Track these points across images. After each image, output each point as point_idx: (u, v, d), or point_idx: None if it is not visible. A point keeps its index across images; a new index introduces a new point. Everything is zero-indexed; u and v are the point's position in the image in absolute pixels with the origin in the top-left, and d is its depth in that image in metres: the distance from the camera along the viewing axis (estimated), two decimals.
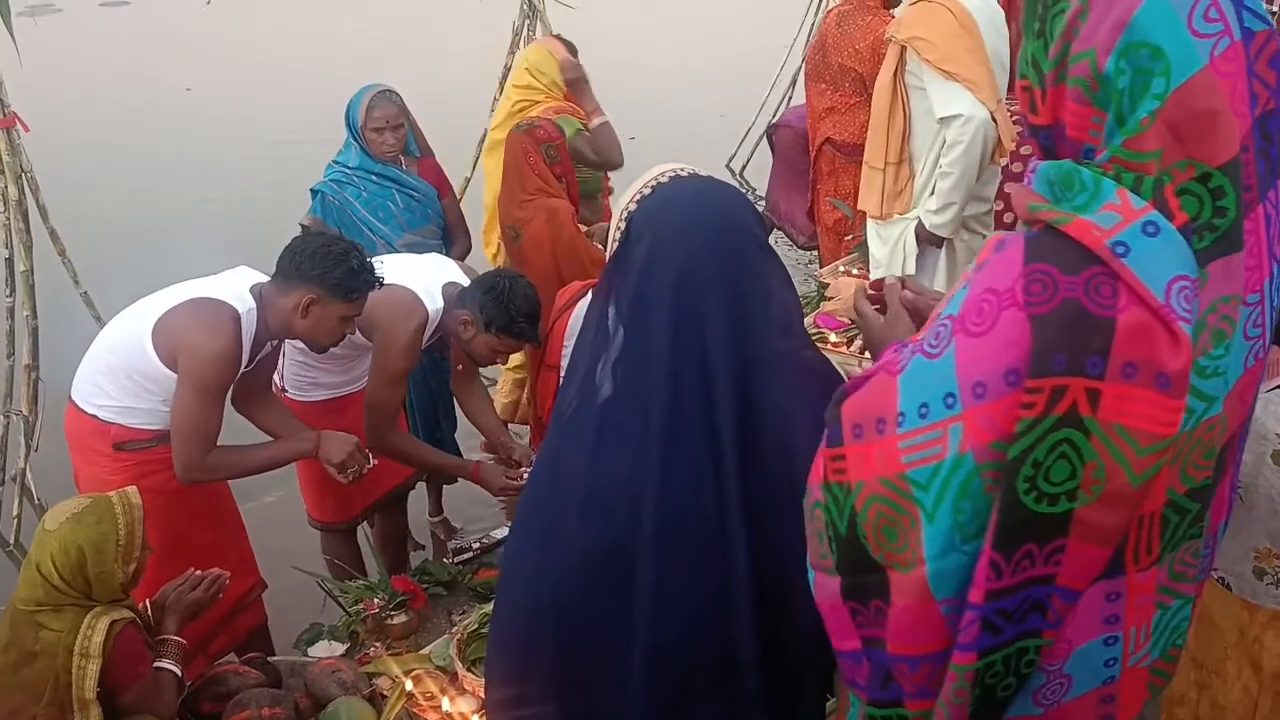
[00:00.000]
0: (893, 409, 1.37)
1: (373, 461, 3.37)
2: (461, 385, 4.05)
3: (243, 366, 3.16)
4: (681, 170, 1.83)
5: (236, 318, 3.08)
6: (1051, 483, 1.28)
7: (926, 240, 4.14)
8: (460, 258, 4.56)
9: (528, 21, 6.67)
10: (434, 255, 3.96)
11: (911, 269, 4.19)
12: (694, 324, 1.65)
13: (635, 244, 1.73)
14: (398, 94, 4.29)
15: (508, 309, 3.50)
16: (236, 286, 3.16)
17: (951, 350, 1.32)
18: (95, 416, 3.16)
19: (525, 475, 3.61)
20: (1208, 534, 1.50)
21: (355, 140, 4.27)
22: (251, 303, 3.13)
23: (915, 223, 4.12)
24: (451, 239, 4.57)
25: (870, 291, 1.84)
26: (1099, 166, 1.30)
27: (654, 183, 1.81)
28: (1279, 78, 1.31)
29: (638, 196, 1.80)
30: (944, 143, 3.89)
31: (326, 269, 3.10)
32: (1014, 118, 4.10)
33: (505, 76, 6.78)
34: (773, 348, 1.70)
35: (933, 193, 4.03)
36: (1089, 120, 1.31)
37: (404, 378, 3.64)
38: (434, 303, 3.57)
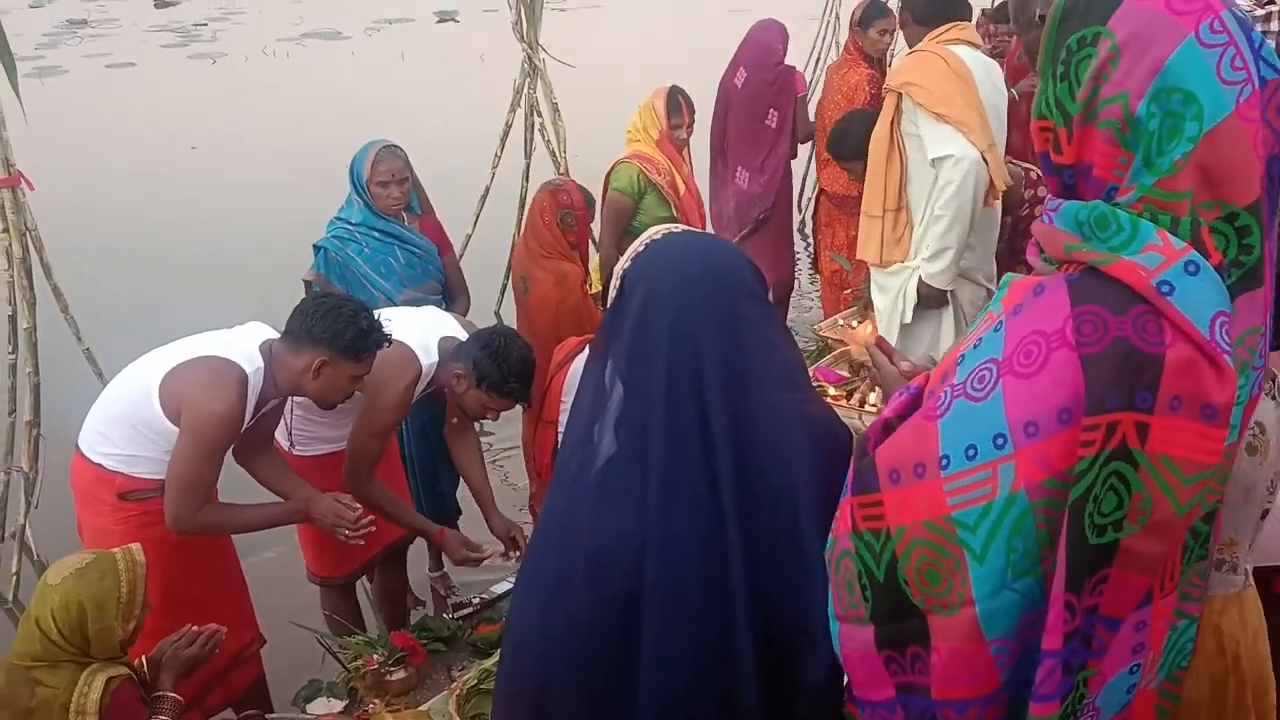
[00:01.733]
0: (934, 453, 1.40)
1: (366, 520, 3.36)
2: (455, 437, 4.07)
3: (246, 424, 3.18)
4: (675, 229, 1.85)
5: (244, 379, 3.11)
6: (1102, 514, 1.31)
7: (927, 299, 4.13)
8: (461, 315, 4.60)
9: (528, 80, 6.75)
10: (432, 309, 3.98)
11: (909, 318, 4.19)
12: (690, 373, 1.66)
13: (629, 298, 1.75)
14: (402, 150, 4.34)
15: (500, 367, 3.53)
16: (247, 345, 3.20)
17: (999, 392, 1.35)
18: (100, 465, 3.19)
19: (488, 551, 3.68)
20: (1210, 555, 1.53)
21: (359, 195, 4.31)
22: (260, 362, 3.17)
23: (916, 276, 4.12)
24: (452, 297, 4.60)
25: (881, 343, 1.92)
26: (1129, 206, 1.34)
27: (648, 240, 1.82)
28: None
29: (632, 254, 1.81)
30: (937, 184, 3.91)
31: (338, 331, 3.14)
32: (1008, 162, 4.15)
33: (506, 134, 6.86)
34: (772, 397, 1.70)
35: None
36: (1116, 161, 1.36)
37: (390, 431, 3.67)
38: (429, 357, 3.60)
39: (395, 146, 4.33)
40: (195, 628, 2.86)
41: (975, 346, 1.43)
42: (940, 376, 1.48)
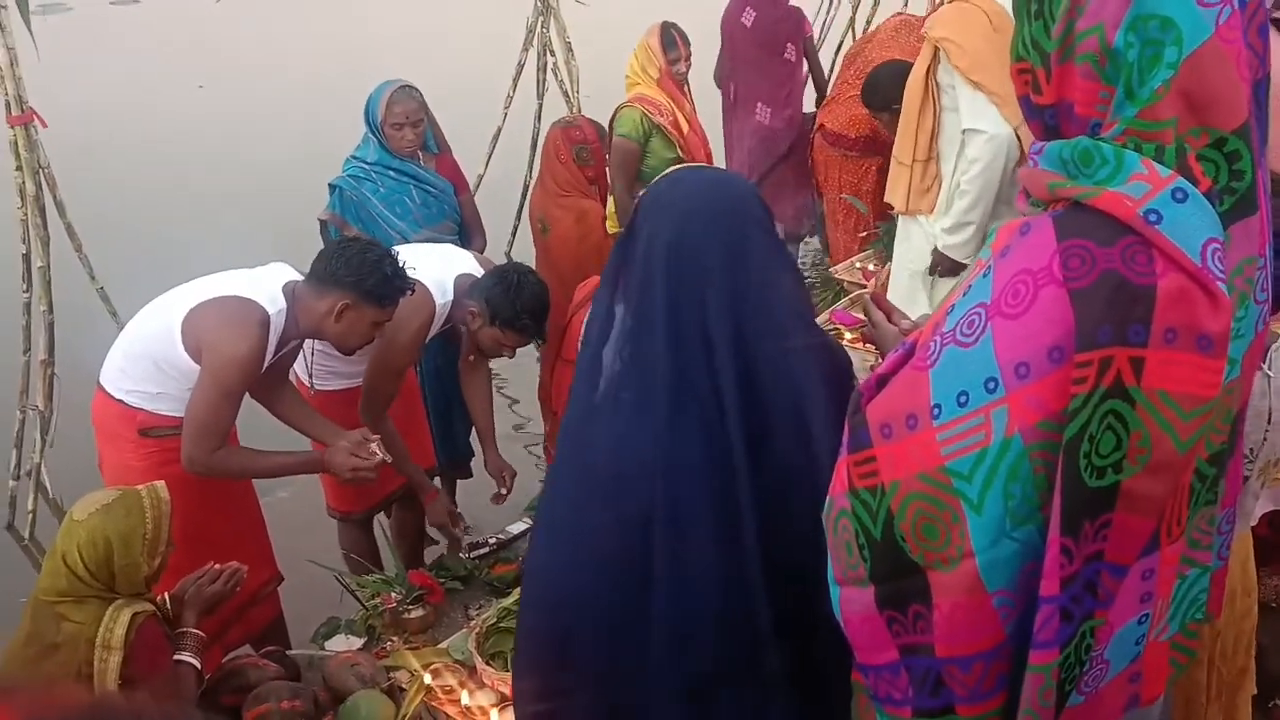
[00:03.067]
0: (925, 403, 1.36)
1: (383, 454, 3.36)
2: (467, 375, 4.07)
3: (266, 364, 3.18)
4: (691, 165, 1.85)
5: (265, 321, 3.10)
6: (1100, 455, 1.28)
7: (944, 269, 4.04)
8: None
9: (541, 19, 6.66)
10: (450, 246, 3.96)
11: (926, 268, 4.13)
12: (694, 298, 1.67)
13: (638, 228, 1.76)
14: (418, 90, 4.29)
15: (514, 304, 3.52)
16: (270, 286, 3.18)
17: (989, 335, 1.31)
18: (122, 401, 3.19)
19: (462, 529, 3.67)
20: (1223, 502, 1.50)
21: (374, 135, 4.27)
22: (283, 303, 3.16)
23: (932, 251, 4.05)
24: (469, 235, 4.57)
25: (879, 300, 1.90)
26: (1112, 139, 1.31)
27: (661, 178, 1.85)
28: (1265, 46, 1.34)
29: (646, 189, 1.84)
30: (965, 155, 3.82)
31: (362, 275, 3.13)
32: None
33: (519, 73, 6.79)
34: (776, 322, 1.70)
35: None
36: (1097, 95, 1.32)
37: (404, 369, 3.68)
38: (444, 295, 3.59)
39: (411, 87, 4.27)
40: (218, 565, 2.87)
41: (965, 294, 1.40)
42: (932, 328, 1.44)
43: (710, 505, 1.67)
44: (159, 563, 2.65)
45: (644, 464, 1.68)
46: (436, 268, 3.64)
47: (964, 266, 4.02)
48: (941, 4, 5.13)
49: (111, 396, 3.22)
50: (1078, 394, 1.26)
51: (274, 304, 3.14)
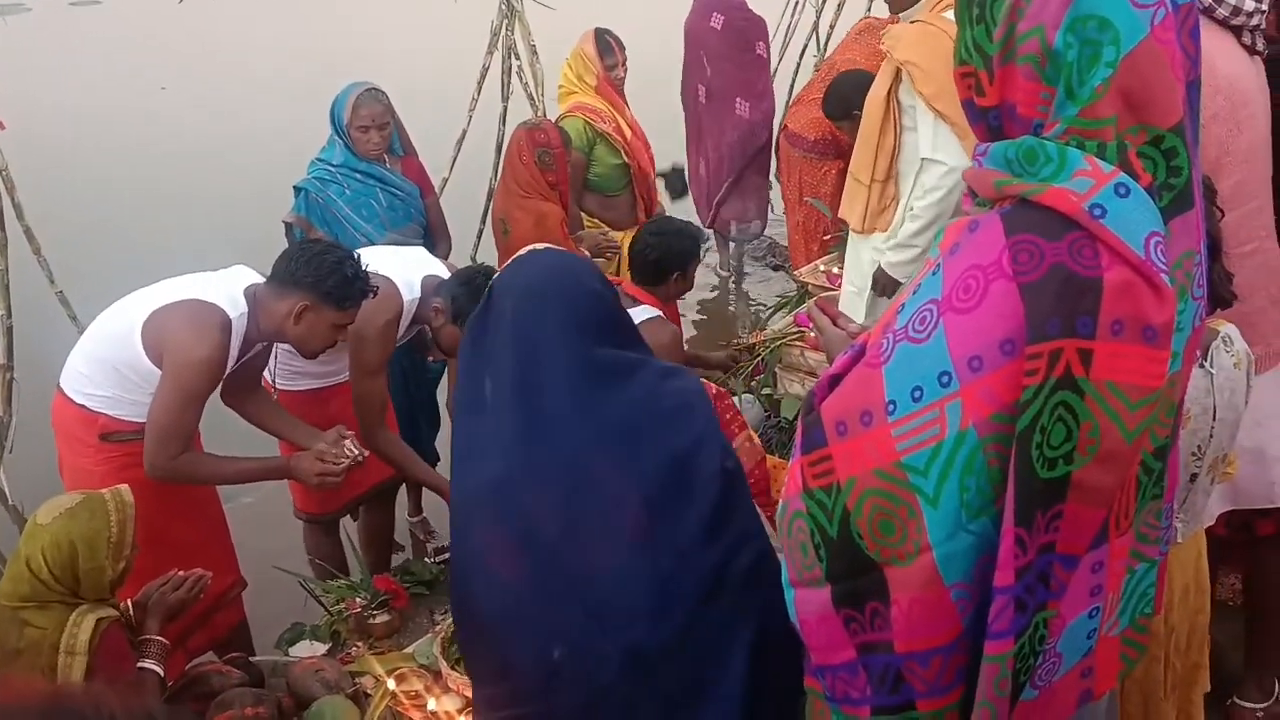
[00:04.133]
0: (879, 399, 1.39)
1: (357, 452, 3.33)
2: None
3: (228, 369, 3.16)
4: (539, 247, 2.09)
5: (227, 324, 3.08)
6: (1051, 446, 1.30)
7: (882, 285, 3.92)
8: (443, 259, 4.56)
9: (505, 22, 6.64)
10: (420, 249, 3.95)
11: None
12: (534, 358, 1.88)
13: (496, 304, 1.97)
14: (384, 92, 4.28)
15: (477, 304, 3.49)
16: (231, 288, 3.17)
17: (941, 330, 1.34)
18: (83, 406, 3.17)
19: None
20: (1166, 496, 1.53)
21: (340, 138, 4.26)
22: (244, 306, 3.14)
23: (876, 269, 3.95)
24: (434, 240, 4.56)
25: (823, 305, 1.96)
26: (1055, 139, 1.34)
27: (515, 258, 2.05)
28: (1197, 49, 1.38)
29: (504, 267, 2.07)
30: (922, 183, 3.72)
31: (320, 276, 3.11)
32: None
33: (484, 76, 6.77)
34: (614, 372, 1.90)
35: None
36: (1039, 96, 1.35)
37: (381, 368, 3.65)
38: (411, 292, 3.58)
39: (376, 90, 4.26)
40: (181, 572, 2.85)
41: (915, 292, 1.43)
42: (883, 328, 1.46)
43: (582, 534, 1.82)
44: (123, 566, 2.64)
45: (491, 490, 1.88)
46: (405, 267, 3.64)
47: (901, 285, 3.93)
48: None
49: (72, 401, 3.19)
50: (1029, 385, 1.28)
51: (235, 307, 3.12)
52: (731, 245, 7.47)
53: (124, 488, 2.71)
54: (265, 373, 3.68)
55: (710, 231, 7.25)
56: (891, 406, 1.37)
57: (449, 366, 4.37)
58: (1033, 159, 1.34)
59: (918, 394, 1.35)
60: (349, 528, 4.15)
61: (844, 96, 4.74)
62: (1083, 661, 1.52)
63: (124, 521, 2.63)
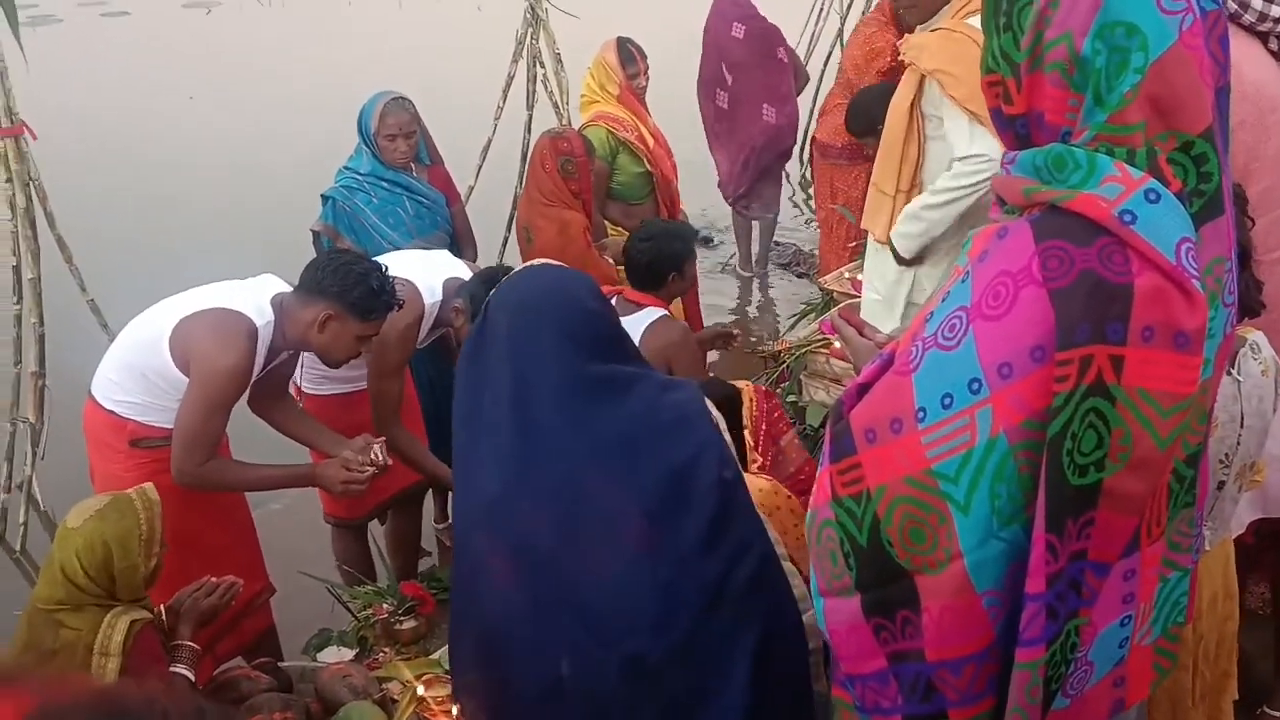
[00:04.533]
0: (909, 407, 1.38)
1: (383, 459, 3.35)
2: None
3: (254, 377, 3.19)
4: (535, 264, 2.11)
5: (253, 333, 3.11)
6: (1083, 453, 1.30)
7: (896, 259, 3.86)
8: None
9: (530, 30, 6.68)
10: (443, 253, 3.97)
11: (909, 299, 3.94)
12: (530, 374, 1.90)
13: (491, 320, 1.98)
14: (411, 101, 4.31)
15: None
16: (258, 297, 3.20)
17: (970, 337, 1.34)
18: (113, 412, 3.20)
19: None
20: (1198, 504, 1.52)
21: (367, 146, 4.29)
22: (270, 315, 3.17)
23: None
24: (460, 246, 4.58)
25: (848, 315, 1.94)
26: (1083, 145, 1.33)
27: (511, 274, 2.09)
28: (1226, 55, 1.38)
29: (498, 286, 2.08)
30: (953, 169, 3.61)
31: (346, 287, 3.14)
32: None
33: (509, 85, 6.80)
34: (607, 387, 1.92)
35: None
36: (1067, 104, 1.35)
37: (399, 370, 3.66)
38: (433, 295, 3.60)
39: (404, 98, 4.29)
40: (214, 579, 2.87)
41: (944, 300, 1.42)
42: (911, 336, 1.46)
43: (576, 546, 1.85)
44: (155, 563, 2.67)
45: (486, 502, 1.92)
46: (427, 270, 3.67)
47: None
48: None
49: (102, 407, 3.22)
50: (1060, 392, 1.28)
51: (261, 315, 3.15)
52: (756, 246, 7.52)
53: (149, 485, 2.74)
54: (293, 378, 3.71)
55: (715, 233, 7.43)
56: (921, 414, 1.37)
57: None
58: (1061, 166, 1.34)
59: (948, 401, 1.35)
60: (376, 533, 4.17)
61: (866, 112, 4.72)
62: (1115, 670, 1.51)
63: (152, 519, 2.66)
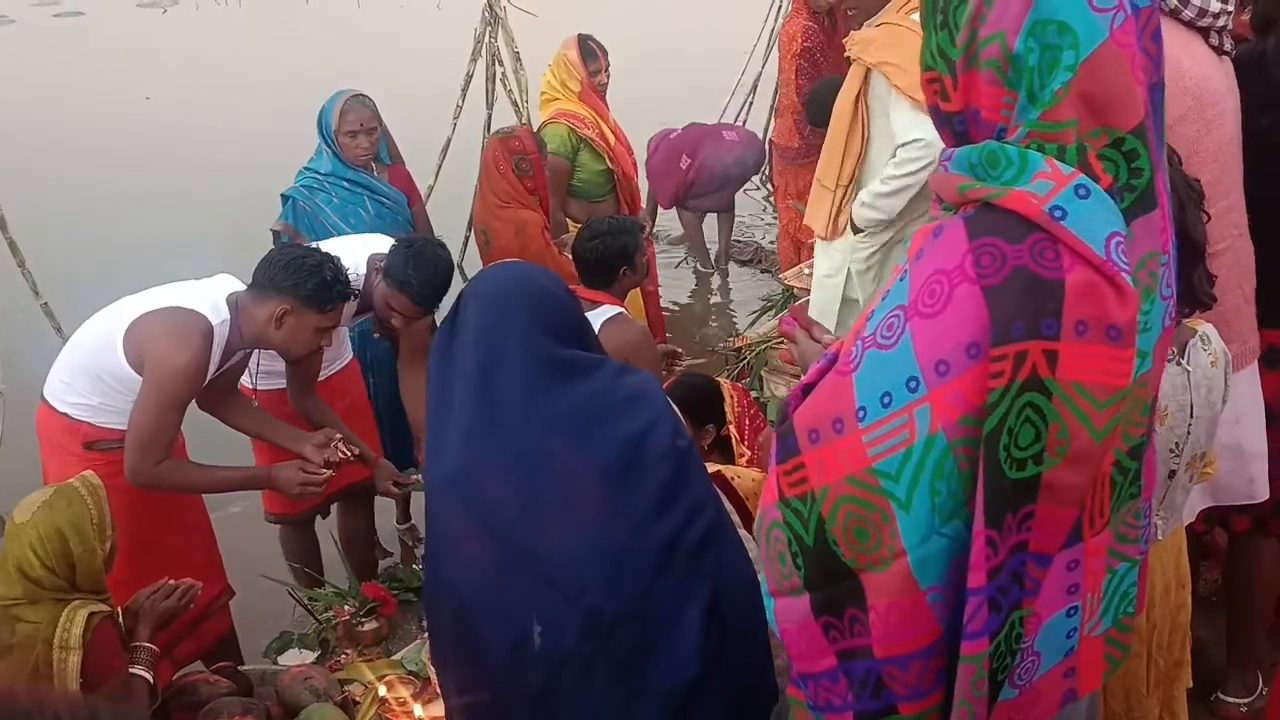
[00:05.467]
0: (850, 406, 1.40)
1: (345, 453, 3.38)
2: (404, 371, 4.02)
3: (209, 377, 3.17)
4: (509, 262, 2.22)
5: (208, 332, 3.08)
6: (1020, 448, 1.31)
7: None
8: None
9: (489, 29, 6.66)
10: (377, 235, 3.91)
11: (857, 293, 3.99)
12: (500, 362, 1.96)
13: (463, 309, 2.05)
14: (371, 99, 4.29)
15: (407, 265, 3.51)
16: (214, 295, 3.17)
17: (908, 336, 1.35)
18: (66, 415, 3.17)
19: (413, 479, 3.59)
20: (1144, 495, 1.54)
21: (328, 145, 4.26)
22: (226, 313, 3.15)
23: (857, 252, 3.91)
24: None
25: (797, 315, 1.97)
26: (1017, 143, 1.35)
27: (487, 268, 2.15)
28: (1159, 51, 1.39)
29: (472, 280, 2.15)
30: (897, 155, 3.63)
31: (300, 280, 3.12)
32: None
33: (468, 84, 6.79)
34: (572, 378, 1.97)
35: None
36: (1001, 100, 1.37)
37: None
38: (357, 270, 3.57)
39: (364, 96, 4.27)
40: (172, 581, 2.85)
41: (884, 299, 1.44)
42: (854, 335, 1.47)
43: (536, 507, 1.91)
44: (110, 546, 2.64)
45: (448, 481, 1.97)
46: (353, 248, 3.67)
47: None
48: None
49: (55, 410, 3.19)
50: (995, 388, 1.30)
51: (217, 314, 3.13)
52: (715, 245, 7.61)
53: (89, 472, 2.72)
54: (246, 375, 3.69)
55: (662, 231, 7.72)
56: (862, 413, 1.38)
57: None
58: (994, 162, 1.36)
59: (887, 400, 1.36)
60: (330, 531, 4.13)
61: (823, 102, 4.75)
62: (1065, 661, 1.53)
63: (100, 502, 2.63)
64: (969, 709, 1.39)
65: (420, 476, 3.76)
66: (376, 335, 4.03)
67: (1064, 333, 1.29)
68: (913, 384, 1.34)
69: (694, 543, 1.89)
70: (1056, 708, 1.57)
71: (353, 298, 3.31)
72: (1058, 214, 1.31)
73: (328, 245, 3.49)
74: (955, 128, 1.45)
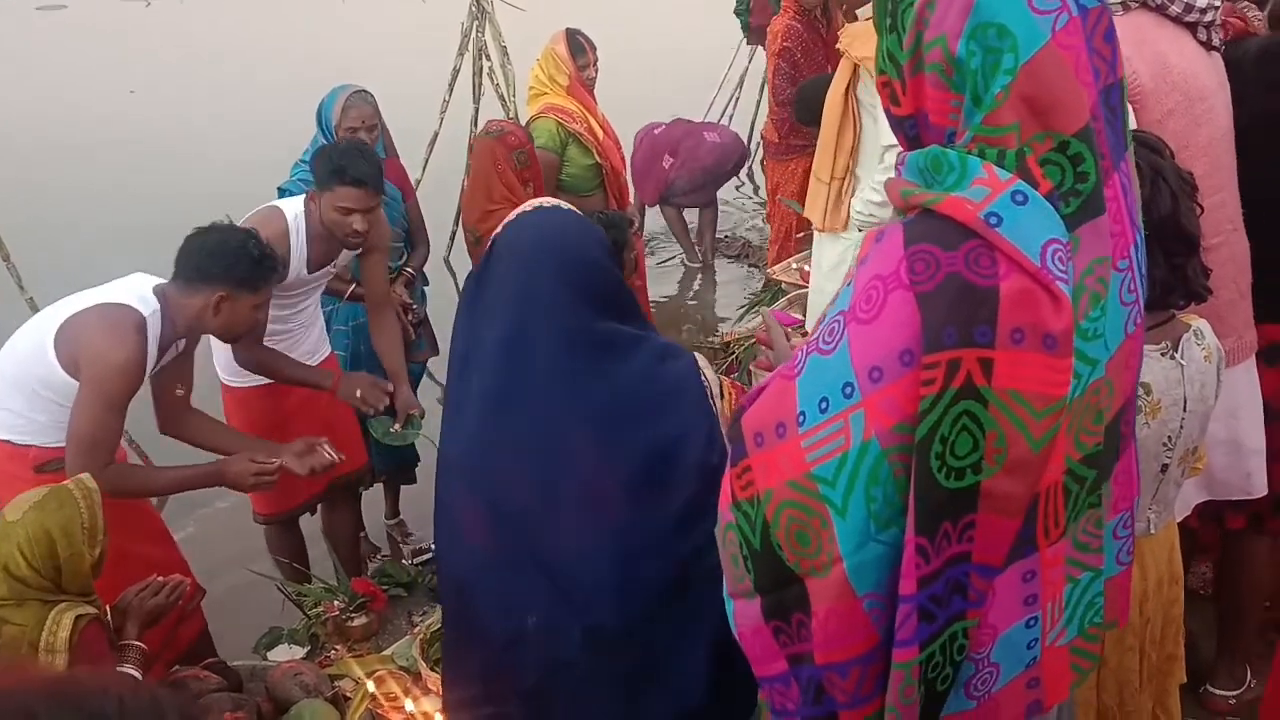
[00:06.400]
0: (792, 410, 1.38)
1: (332, 457, 3.27)
2: (374, 318, 3.98)
3: (148, 370, 3.07)
4: (546, 204, 2.05)
5: (142, 325, 2.97)
6: (957, 457, 1.30)
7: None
8: (420, 263, 4.58)
9: (476, 23, 6.65)
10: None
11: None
12: (538, 324, 1.88)
13: (496, 260, 1.95)
14: (372, 95, 4.23)
15: (330, 160, 3.47)
16: (139, 289, 3.06)
17: (845, 342, 1.34)
18: (9, 441, 3.03)
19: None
20: (1115, 506, 1.52)
21: (327, 139, 4.17)
22: (156, 305, 3.04)
23: (854, 248, 3.96)
24: (413, 242, 4.56)
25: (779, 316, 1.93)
26: (964, 147, 1.34)
27: (520, 212, 2.03)
28: (1114, 52, 1.37)
29: (506, 223, 2.02)
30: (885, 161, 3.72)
31: (229, 265, 3.04)
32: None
33: (455, 78, 6.78)
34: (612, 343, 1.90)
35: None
36: (948, 105, 1.35)
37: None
38: (294, 209, 3.58)
39: (365, 92, 4.22)
40: (160, 578, 2.81)
41: (834, 304, 1.42)
42: (805, 342, 1.46)
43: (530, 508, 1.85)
44: (99, 552, 2.60)
45: (461, 465, 1.90)
46: (288, 204, 3.66)
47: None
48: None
49: None
50: (926, 395, 1.28)
51: (146, 305, 3.01)
52: (703, 237, 7.66)
53: (85, 475, 2.66)
54: (219, 370, 3.64)
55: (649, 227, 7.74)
56: (802, 417, 1.37)
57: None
58: (938, 168, 1.34)
59: (824, 405, 1.35)
60: (315, 529, 4.11)
61: (812, 101, 4.75)
62: (1027, 672, 1.51)
63: (93, 506, 2.59)
64: (897, 715, 1.38)
65: (399, 426, 3.77)
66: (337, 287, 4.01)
67: (999, 340, 1.28)
68: (848, 390, 1.33)
69: (708, 571, 1.76)
70: (1021, 718, 1.56)
71: (280, 270, 3.28)
72: (993, 220, 1.29)
73: (248, 220, 3.48)
74: (908, 131, 1.43)
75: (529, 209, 2.03)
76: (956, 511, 1.32)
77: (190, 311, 3.07)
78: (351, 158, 3.47)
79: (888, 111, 1.45)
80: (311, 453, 3.23)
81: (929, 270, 1.29)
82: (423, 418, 3.85)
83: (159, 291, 3.07)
